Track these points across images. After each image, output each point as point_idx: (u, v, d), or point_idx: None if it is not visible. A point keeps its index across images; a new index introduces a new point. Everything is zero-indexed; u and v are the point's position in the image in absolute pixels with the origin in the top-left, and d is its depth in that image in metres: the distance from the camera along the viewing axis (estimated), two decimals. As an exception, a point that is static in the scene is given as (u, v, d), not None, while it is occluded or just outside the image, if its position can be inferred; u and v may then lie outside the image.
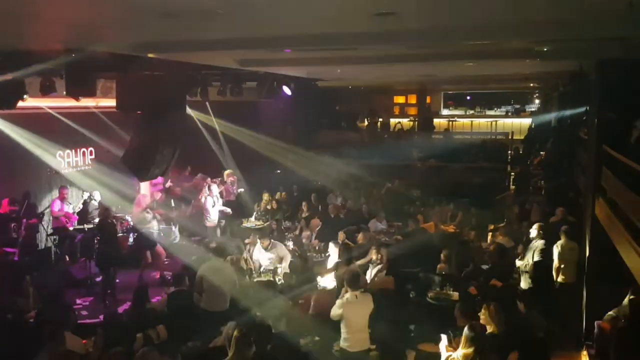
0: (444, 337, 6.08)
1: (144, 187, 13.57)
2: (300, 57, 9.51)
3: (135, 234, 11.39)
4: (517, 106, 22.43)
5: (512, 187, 15.10)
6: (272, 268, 9.33)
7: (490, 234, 11.57)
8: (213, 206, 12.07)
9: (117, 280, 10.15)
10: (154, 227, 11.53)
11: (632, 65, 4.32)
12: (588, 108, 10.24)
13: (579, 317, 8.34)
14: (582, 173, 9.94)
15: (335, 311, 6.64)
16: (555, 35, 6.40)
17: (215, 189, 12.00)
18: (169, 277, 9.85)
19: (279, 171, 16.58)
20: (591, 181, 8.84)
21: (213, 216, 11.85)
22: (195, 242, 11.90)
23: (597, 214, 8.35)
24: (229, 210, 12.37)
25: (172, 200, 12.83)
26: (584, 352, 7.86)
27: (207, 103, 12.89)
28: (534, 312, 7.00)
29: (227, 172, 12.99)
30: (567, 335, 8.01)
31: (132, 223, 11.48)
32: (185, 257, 10.00)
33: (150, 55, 7.65)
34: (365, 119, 23.63)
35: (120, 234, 10.95)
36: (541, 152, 16.39)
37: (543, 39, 7.29)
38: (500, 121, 22.00)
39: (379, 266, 8.83)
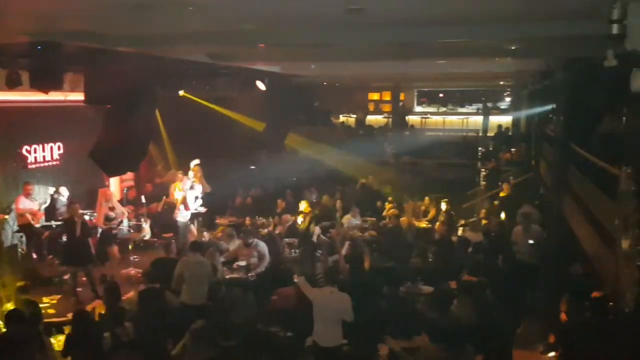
0: (415, 330, 6.18)
1: (114, 182, 13.38)
2: (274, 52, 9.50)
3: (103, 231, 11.22)
4: (488, 104, 22.74)
5: (483, 183, 15.33)
6: (245, 264, 9.32)
7: (460, 229, 11.74)
8: (188, 201, 11.91)
9: (84, 279, 9.98)
10: (123, 224, 11.39)
11: (597, 64, 4.45)
12: (555, 106, 10.46)
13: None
14: (549, 169, 10.16)
15: (304, 283, 6.76)
16: (523, 33, 6.53)
17: (188, 183, 11.88)
18: (139, 274, 9.75)
19: (253, 167, 16.54)
20: (557, 177, 9.05)
21: (186, 212, 11.74)
22: (167, 239, 11.80)
23: (563, 208, 8.56)
24: (202, 209, 12.24)
25: (142, 196, 12.67)
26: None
27: (178, 97, 12.74)
28: (503, 306, 7.13)
29: (194, 165, 12.83)
30: (534, 328, 8.13)
31: (100, 220, 11.29)
32: (156, 254, 9.90)
33: (120, 48, 7.54)
34: (340, 115, 23.72)
35: (88, 231, 10.75)
36: (511, 149, 16.68)
37: (511, 37, 7.42)
38: (472, 118, 22.27)
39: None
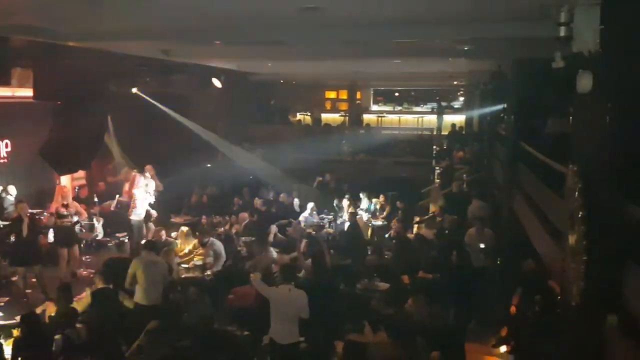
0: (368, 326, 6.26)
1: (64, 181, 12.97)
2: (229, 49, 9.42)
3: (54, 231, 10.86)
4: (443, 103, 23.20)
5: (437, 181, 15.63)
6: (201, 264, 9.23)
7: (415, 226, 11.95)
8: (142, 200, 11.62)
9: (34, 280, 9.66)
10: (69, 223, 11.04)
11: (545, 65, 4.63)
12: (506, 105, 10.75)
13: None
14: (501, 167, 10.44)
15: (259, 283, 6.74)
16: (474, 33, 6.70)
17: (143, 181, 11.58)
18: (92, 275, 9.50)
19: (209, 165, 16.35)
20: (508, 175, 9.31)
21: (140, 210, 11.47)
22: (120, 238, 11.54)
23: (513, 205, 8.82)
24: (152, 211, 11.90)
25: (94, 195, 12.34)
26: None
27: (132, 94, 12.45)
28: (456, 302, 7.32)
29: (148, 166, 12.61)
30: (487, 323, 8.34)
31: (51, 219, 10.93)
32: (109, 254, 9.67)
33: (70, 43, 7.33)
34: (297, 113, 23.72)
35: (37, 230, 10.39)
36: (464, 148, 17.06)
37: (464, 38, 7.60)
38: (427, 117, 22.68)
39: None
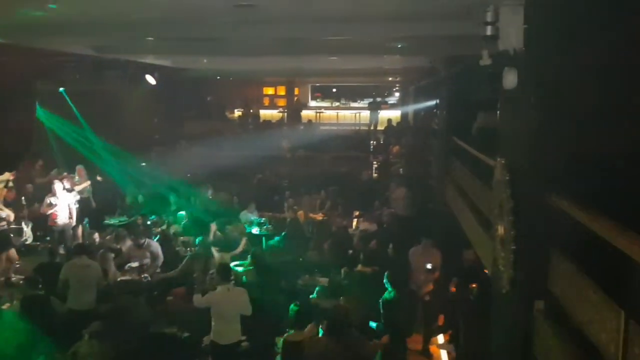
0: (312, 324, 6.32)
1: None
2: (163, 45, 9.21)
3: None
4: (379, 99, 23.58)
5: (375, 175, 15.88)
6: (138, 265, 8.98)
7: (355, 220, 12.10)
8: (64, 205, 11.05)
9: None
10: (3, 227, 10.48)
11: (475, 62, 4.81)
12: (439, 101, 11.06)
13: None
14: (434, 161, 10.74)
15: (199, 300, 6.63)
16: (406, 31, 6.86)
17: (60, 186, 10.99)
18: (21, 281, 9.07)
19: (144, 164, 15.90)
20: (442, 168, 9.59)
21: (62, 215, 10.89)
22: (48, 242, 11.04)
23: (447, 197, 9.10)
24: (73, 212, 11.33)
25: (22, 198, 11.75)
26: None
27: (62, 92, 11.94)
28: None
29: (79, 167, 12.12)
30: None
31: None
32: (38, 259, 9.27)
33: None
34: (235, 110, 23.46)
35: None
36: (400, 142, 17.43)
37: (397, 35, 7.75)
38: (364, 113, 22.99)
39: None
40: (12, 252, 10.06)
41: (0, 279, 9.45)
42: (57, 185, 10.73)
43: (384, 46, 9.08)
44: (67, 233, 10.95)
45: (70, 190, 11.07)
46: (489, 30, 4.36)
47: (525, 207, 3.95)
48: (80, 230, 11.30)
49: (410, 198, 10.54)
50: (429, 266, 7.98)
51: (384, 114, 21.69)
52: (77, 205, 11.25)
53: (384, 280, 7.33)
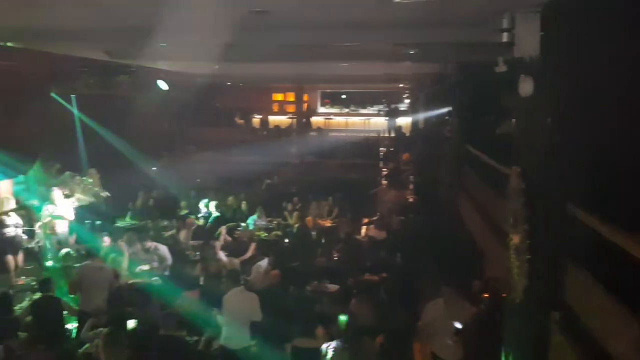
0: (321, 330, 6.28)
1: (3, 188, 12.33)
2: (175, 51, 9.24)
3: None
4: (390, 106, 23.51)
5: (385, 182, 15.83)
6: (148, 269, 9.00)
7: (364, 227, 12.06)
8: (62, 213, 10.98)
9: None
10: (18, 230, 10.50)
11: (488, 69, 4.79)
12: (451, 108, 11.01)
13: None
14: (447, 169, 10.67)
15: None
16: (420, 38, 6.83)
17: (59, 194, 10.92)
18: (34, 283, 9.11)
19: (155, 169, 15.97)
20: (454, 176, 9.53)
21: (60, 224, 10.82)
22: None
23: (459, 206, 9.03)
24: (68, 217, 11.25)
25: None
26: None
27: (73, 97, 12.00)
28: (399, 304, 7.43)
29: (91, 170, 12.15)
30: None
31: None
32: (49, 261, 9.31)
33: (9, 44, 7.07)
34: (245, 116, 23.49)
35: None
36: (410, 149, 17.37)
37: (409, 42, 7.73)
38: (374, 120, 22.92)
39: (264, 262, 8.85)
40: (22, 256, 10.10)
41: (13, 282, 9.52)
42: (57, 193, 10.70)
43: (395, 53, 9.05)
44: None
45: (69, 197, 11.07)
46: (505, 38, 4.33)
47: (540, 216, 3.91)
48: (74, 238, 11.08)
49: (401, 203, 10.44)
50: (457, 325, 5.93)
51: (398, 121, 21.66)
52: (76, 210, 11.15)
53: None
